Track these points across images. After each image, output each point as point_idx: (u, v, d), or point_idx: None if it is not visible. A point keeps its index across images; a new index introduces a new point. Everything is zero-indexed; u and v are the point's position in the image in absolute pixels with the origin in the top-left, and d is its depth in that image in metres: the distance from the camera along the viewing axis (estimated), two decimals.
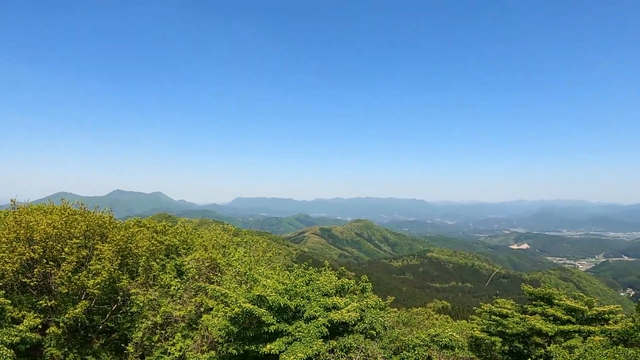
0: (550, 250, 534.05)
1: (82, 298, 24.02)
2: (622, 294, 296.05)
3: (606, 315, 27.31)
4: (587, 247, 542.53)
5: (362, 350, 15.22)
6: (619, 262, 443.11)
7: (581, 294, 30.47)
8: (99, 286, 23.36)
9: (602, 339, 24.45)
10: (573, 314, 27.32)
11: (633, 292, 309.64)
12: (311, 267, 20.53)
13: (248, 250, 29.98)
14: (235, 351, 16.99)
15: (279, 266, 26.50)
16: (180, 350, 21.28)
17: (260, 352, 16.15)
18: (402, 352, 16.64)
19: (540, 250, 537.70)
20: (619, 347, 21.25)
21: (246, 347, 16.85)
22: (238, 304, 16.80)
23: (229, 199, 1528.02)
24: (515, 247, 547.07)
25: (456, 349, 17.73)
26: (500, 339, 27.96)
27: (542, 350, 23.80)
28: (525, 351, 26.79)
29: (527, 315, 28.16)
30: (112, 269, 24.19)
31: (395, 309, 33.83)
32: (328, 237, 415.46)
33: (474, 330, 30.07)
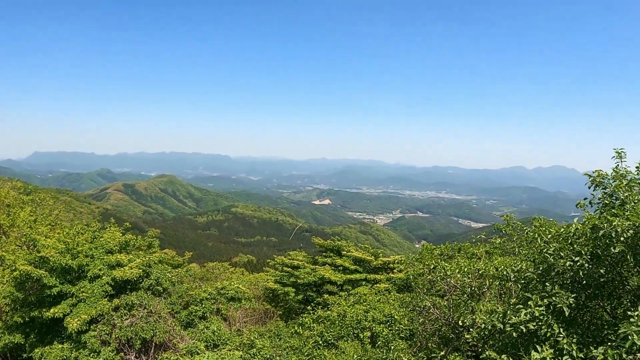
0: (351, 206, 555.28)
1: None
2: (417, 246, 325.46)
3: (391, 265, 29.86)
4: (385, 204, 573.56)
5: (145, 307, 15.35)
6: (414, 217, 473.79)
7: (367, 246, 33.62)
8: None
9: (387, 286, 27.67)
10: (360, 264, 29.45)
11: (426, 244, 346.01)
12: (96, 224, 19.85)
13: (34, 209, 28.00)
14: (20, 319, 15.72)
15: (66, 224, 25.07)
16: None
17: (44, 317, 15.30)
18: (190, 306, 17.18)
19: (342, 206, 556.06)
20: (393, 293, 24.45)
21: (32, 314, 15.80)
22: (14, 267, 15.69)
23: (26, 153, 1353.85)
24: (317, 202, 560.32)
25: (243, 301, 18.58)
26: (294, 289, 29.27)
27: (325, 296, 26.33)
28: (318, 299, 29.05)
29: (317, 266, 29.90)
30: None
31: (195, 264, 34.21)
32: (132, 194, 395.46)
33: (268, 282, 31.30)
